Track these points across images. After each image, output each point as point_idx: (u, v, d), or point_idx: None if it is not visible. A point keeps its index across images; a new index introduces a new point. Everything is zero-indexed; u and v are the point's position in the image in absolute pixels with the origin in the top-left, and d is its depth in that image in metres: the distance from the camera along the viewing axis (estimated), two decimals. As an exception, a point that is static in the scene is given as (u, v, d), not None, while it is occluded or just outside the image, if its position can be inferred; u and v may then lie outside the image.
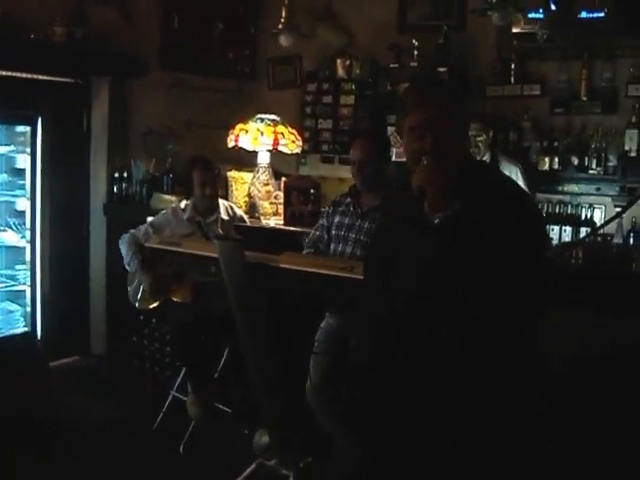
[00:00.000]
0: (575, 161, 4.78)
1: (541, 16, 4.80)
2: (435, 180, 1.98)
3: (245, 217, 4.55)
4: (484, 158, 4.26)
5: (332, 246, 3.47)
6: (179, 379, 4.24)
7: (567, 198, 4.81)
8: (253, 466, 3.49)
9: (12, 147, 4.08)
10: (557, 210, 4.64)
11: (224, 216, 4.31)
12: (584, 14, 4.63)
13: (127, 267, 4.17)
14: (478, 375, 1.91)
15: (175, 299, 4.11)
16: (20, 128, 4.06)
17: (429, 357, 1.94)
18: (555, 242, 4.13)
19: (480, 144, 4.30)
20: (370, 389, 2.12)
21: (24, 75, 4.67)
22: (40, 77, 4.79)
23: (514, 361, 1.95)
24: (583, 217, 4.72)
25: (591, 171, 4.72)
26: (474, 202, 1.96)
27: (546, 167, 4.79)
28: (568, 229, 4.64)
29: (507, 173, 4.23)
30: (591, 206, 4.74)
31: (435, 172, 1.98)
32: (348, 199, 3.49)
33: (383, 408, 2.07)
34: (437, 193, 1.97)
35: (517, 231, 1.90)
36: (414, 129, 2.02)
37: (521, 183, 4.26)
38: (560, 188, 4.72)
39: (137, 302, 4.22)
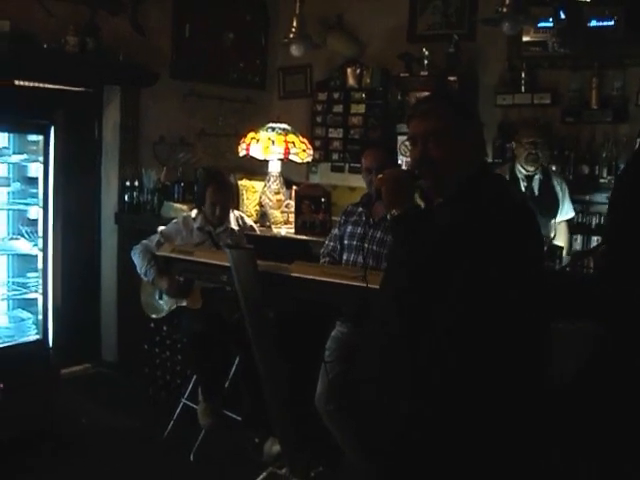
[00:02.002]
0: (586, 170, 4.78)
1: (551, 25, 4.82)
2: (389, 182, 2.12)
3: (255, 226, 4.56)
4: (536, 171, 4.25)
5: (344, 256, 3.47)
6: (190, 387, 4.25)
7: (578, 207, 4.79)
8: (264, 475, 3.50)
9: (25, 156, 4.10)
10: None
11: (234, 226, 4.32)
12: (594, 22, 4.66)
13: (143, 277, 4.16)
14: (471, 386, 1.91)
15: (185, 305, 4.13)
16: (33, 137, 4.07)
17: (427, 362, 1.95)
18: (566, 251, 4.11)
19: (539, 158, 4.22)
20: (378, 395, 2.13)
21: (37, 84, 4.70)
22: (53, 86, 4.81)
23: (512, 373, 1.95)
24: (594, 226, 4.71)
25: (602, 180, 4.71)
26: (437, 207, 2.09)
27: (557, 176, 4.78)
28: (579, 238, 4.63)
29: (558, 187, 4.32)
30: (602, 215, 4.73)
31: (391, 175, 2.15)
32: (360, 208, 3.49)
33: (389, 416, 2.08)
34: (388, 194, 2.11)
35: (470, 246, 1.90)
36: (410, 138, 2.16)
37: (567, 197, 4.35)
38: (571, 197, 4.70)
39: (155, 309, 4.26)
